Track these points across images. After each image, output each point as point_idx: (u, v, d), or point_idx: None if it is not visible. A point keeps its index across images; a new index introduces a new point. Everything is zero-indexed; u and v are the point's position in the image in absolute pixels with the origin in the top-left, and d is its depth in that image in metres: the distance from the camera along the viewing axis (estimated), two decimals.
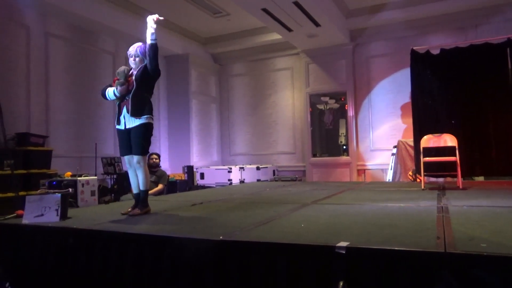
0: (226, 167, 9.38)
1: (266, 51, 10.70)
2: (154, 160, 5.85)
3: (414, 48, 6.34)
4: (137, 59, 3.33)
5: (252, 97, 11.08)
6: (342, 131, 10.03)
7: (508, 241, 1.94)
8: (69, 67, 7.69)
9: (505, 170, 5.85)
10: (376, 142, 9.48)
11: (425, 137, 5.34)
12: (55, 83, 7.40)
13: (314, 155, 10.16)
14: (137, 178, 3.39)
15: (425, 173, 5.19)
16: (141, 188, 3.35)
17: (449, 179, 6.16)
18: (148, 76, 3.29)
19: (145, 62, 3.31)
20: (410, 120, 6.36)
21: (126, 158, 3.40)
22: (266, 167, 9.88)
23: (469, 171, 5.83)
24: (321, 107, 10.36)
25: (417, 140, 5.79)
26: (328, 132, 10.46)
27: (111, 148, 8.44)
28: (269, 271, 2.02)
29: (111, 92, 3.33)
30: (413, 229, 2.35)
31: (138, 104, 3.24)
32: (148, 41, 3.27)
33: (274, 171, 10.20)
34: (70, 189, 3.60)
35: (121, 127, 3.33)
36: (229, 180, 8.96)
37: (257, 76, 11.06)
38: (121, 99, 3.33)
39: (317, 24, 8.31)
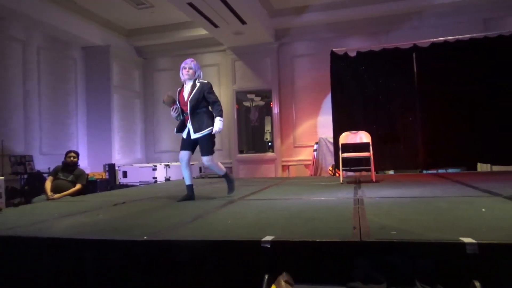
0: (150, 164, 9.08)
1: (193, 46, 10.53)
2: (72, 158, 5.47)
3: (333, 49, 6.68)
4: (190, 71, 3.76)
5: None
6: (268, 128, 10.28)
7: (414, 228, 2.16)
8: None
9: (411, 164, 6.49)
10: (299, 139, 9.84)
11: (343, 134, 5.57)
12: None
13: (241, 152, 10.27)
14: (188, 172, 3.84)
15: (343, 168, 5.44)
16: (221, 174, 3.95)
17: (364, 173, 6.53)
18: (203, 96, 3.72)
19: (196, 77, 3.78)
20: (331, 118, 6.69)
21: (182, 152, 3.82)
22: (193, 164, 9.73)
23: (381, 165, 6.34)
24: (247, 104, 10.50)
25: (336, 137, 6.07)
26: (254, 129, 10.64)
27: (21, 145, 7.70)
28: (198, 269, 2.01)
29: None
30: (333, 221, 2.51)
31: (198, 123, 3.71)
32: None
33: (200, 168, 10.11)
34: None
35: (186, 136, 3.81)
36: (154, 178, 8.69)
37: None
38: (181, 114, 3.88)
39: (243, 22, 8.38)
